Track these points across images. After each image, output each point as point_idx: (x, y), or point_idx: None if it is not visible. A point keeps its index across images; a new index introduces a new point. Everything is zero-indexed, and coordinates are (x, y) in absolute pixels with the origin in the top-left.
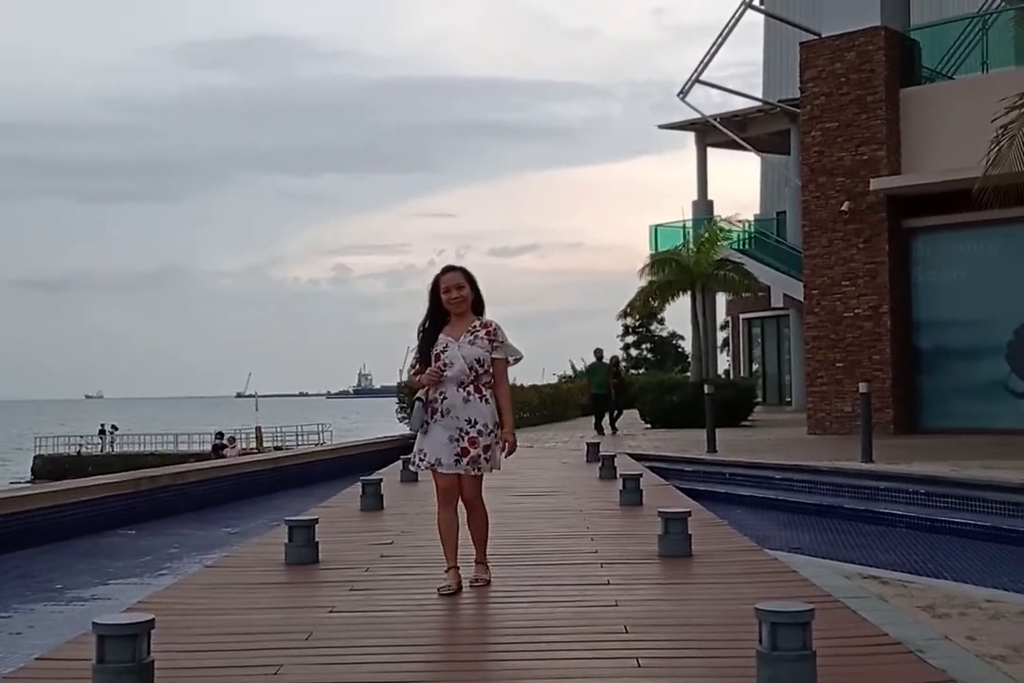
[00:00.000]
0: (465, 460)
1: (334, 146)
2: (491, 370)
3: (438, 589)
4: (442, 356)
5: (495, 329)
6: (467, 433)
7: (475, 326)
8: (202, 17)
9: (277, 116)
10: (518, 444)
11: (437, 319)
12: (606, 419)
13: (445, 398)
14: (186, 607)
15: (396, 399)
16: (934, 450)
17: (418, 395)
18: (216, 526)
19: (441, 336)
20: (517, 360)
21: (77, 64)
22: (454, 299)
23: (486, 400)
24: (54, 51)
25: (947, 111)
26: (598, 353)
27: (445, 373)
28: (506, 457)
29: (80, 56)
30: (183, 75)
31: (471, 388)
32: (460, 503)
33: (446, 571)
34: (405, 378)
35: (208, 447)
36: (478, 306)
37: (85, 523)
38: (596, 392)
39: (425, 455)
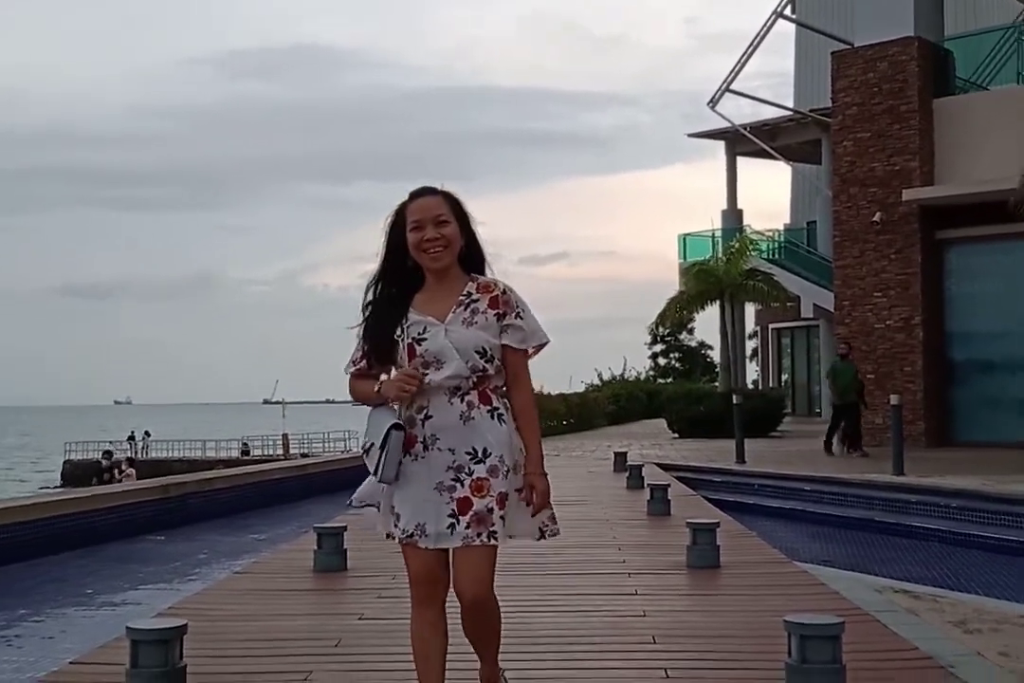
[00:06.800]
0: (465, 521)
1: (368, 154)
2: (502, 366)
3: None
4: (418, 348)
5: (506, 295)
6: (469, 472)
7: (470, 292)
8: (240, 28)
9: (311, 125)
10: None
11: (400, 279)
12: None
13: (429, 416)
14: (216, 613)
15: None
16: (966, 464)
17: (395, 420)
18: (244, 532)
19: (413, 313)
20: (540, 347)
21: (115, 74)
22: (429, 243)
23: (500, 417)
24: (92, 61)
25: (981, 122)
26: (843, 350)
27: (428, 379)
28: (533, 514)
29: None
30: (221, 85)
31: (473, 397)
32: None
33: None
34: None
35: (235, 453)
36: (473, 258)
37: (115, 529)
38: (844, 401)
39: (400, 519)
